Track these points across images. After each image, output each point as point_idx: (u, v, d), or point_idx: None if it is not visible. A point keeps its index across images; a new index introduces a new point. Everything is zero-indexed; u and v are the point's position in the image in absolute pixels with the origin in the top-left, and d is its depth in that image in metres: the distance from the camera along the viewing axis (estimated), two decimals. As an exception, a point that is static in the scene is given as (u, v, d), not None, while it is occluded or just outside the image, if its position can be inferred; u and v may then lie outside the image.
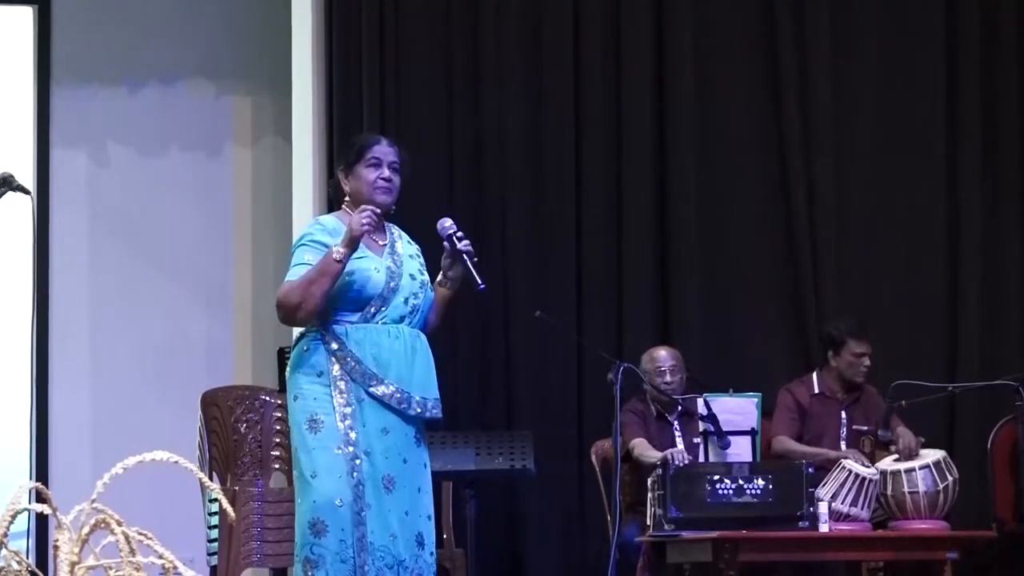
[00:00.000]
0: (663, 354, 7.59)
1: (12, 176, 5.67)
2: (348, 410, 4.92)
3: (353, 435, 4.90)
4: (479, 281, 5.04)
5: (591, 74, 8.39)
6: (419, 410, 4.98)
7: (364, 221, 4.90)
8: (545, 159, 8.35)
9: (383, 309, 4.98)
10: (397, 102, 8.28)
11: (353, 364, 4.93)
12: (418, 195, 8.00)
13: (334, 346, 4.95)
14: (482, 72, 8.37)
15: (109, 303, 8.62)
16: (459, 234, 5.09)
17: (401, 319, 5.01)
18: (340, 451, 4.89)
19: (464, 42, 8.38)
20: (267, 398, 7.63)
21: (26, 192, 5.72)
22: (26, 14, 8.66)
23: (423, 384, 5.01)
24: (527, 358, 8.19)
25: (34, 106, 8.61)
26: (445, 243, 5.12)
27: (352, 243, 4.90)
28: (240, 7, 8.77)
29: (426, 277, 5.14)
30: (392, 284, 5.00)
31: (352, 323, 4.97)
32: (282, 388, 7.57)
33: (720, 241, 8.40)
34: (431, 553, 5.01)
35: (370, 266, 4.99)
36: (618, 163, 8.36)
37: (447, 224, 5.12)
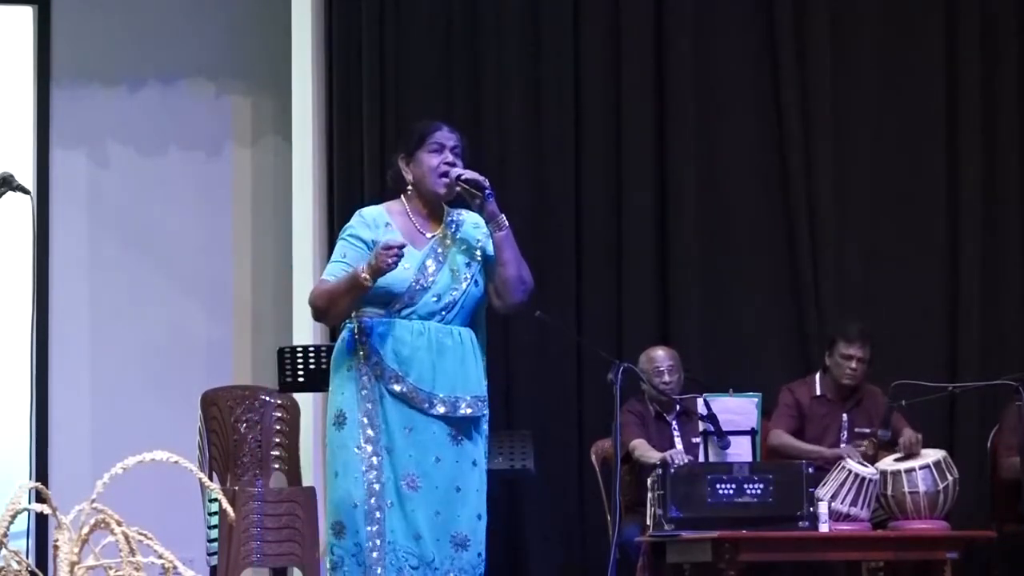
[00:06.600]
0: (661, 354, 7.59)
1: (12, 176, 5.66)
2: (370, 406, 4.83)
3: (372, 432, 4.82)
4: (484, 191, 4.88)
5: (591, 75, 8.40)
6: (443, 409, 4.86)
7: (390, 262, 4.72)
8: (545, 159, 8.35)
9: (410, 306, 4.87)
10: (397, 102, 8.28)
11: (376, 360, 4.84)
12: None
13: (361, 339, 4.86)
14: (482, 72, 8.37)
15: (109, 303, 8.61)
16: (456, 174, 4.91)
17: (431, 316, 4.89)
18: (359, 450, 4.81)
19: (464, 42, 8.38)
20: (267, 398, 7.63)
21: (26, 192, 5.71)
22: (26, 14, 8.65)
23: (452, 382, 4.89)
24: (527, 358, 8.18)
25: (34, 106, 8.61)
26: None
27: (377, 273, 4.74)
28: (240, 7, 8.77)
29: (473, 271, 4.98)
30: (421, 281, 4.88)
31: (379, 316, 4.87)
32: (282, 388, 7.57)
33: (720, 241, 8.40)
34: (478, 554, 4.92)
35: (400, 263, 4.82)
36: (618, 163, 8.36)
37: (453, 173, 4.94)
